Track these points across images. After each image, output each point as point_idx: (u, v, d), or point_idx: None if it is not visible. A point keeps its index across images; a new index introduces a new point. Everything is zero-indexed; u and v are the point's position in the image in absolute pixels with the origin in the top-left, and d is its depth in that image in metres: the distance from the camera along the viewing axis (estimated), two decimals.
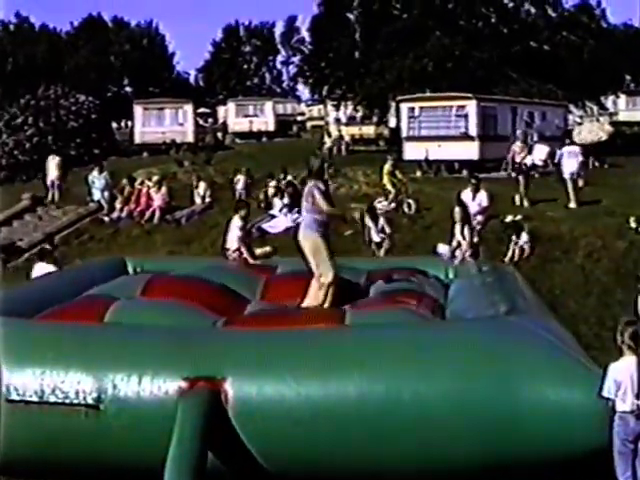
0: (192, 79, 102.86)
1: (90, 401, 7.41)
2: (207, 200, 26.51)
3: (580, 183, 24.15)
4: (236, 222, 13.42)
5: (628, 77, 55.13)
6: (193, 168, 33.71)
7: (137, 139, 46.80)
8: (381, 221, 19.24)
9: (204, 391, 7.29)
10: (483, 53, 44.30)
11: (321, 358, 7.55)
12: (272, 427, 7.26)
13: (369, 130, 53.04)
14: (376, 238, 19.01)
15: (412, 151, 33.31)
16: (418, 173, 32.04)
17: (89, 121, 43.02)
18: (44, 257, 15.05)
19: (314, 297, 10.08)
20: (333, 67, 50.57)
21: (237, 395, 7.28)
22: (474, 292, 10.25)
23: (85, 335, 8.16)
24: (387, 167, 25.22)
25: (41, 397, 7.46)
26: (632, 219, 19.64)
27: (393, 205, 23.36)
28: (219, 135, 53.44)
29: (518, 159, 25.54)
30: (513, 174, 26.02)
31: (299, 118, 70.05)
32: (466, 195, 20.50)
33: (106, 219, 25.92)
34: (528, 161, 23.96)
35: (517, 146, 27.08)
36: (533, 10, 48.03)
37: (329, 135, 46.93)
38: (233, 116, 59.36)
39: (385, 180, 24.90)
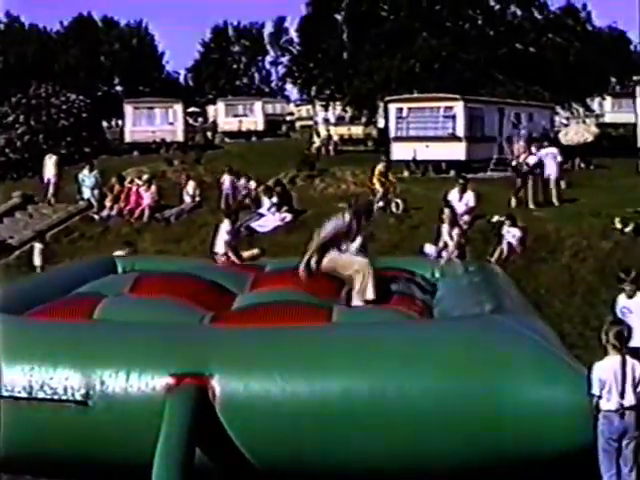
0: (182, 79, 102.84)
1: (78, 397, 7.45)
2: (196, 199, 26.53)
3: (562, 185, 24.26)
4: (225, 227, 13.51)
5: (614, 79, 55.22)
6: (183, 167, 33.68)
7: (127, 138, 46.77)
8: None
9: (191, 387, 7.33)
10: (470, 55, 44.37)
11: (307, 355, 7.62)
12: (259, 423, 7.32)
13: (358, 130, 52.96)
14: None
15: (400, 151, 33.36)
16: (405, 173, 32.10)
17: (80, 120, 43.02)
18: None
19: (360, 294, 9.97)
20: (322, 68, 50.50)
21: (224, 391, 7.34)
22: (460, 291, 10.28)
23: (73, 332, 8.20)
24: (379, 167, 25.21)
25: (30, 393, 7.50)
26: (617, 220, 19.73)
27: (381, 204, 23.42)
28: (209, 134, 53.42)
29: (521, 159, 25.35)
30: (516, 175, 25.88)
31: (288, 118, 69.96)
32: (453, 195, 20.61)
33: (96, 217, 25.89)
34: (530, 161, 23.92)
35: (520, 146, 27.03)
36: (519, 12, 48.13)
37: (318, 135, 46.95)
38: (223, 116, 59.29)
39: (375, 180, 24.94)
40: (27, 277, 12.98)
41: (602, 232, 19.48)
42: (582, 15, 49.48)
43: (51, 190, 28.34)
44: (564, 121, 51.08)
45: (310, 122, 64.14)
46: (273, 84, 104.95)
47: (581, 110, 52.52)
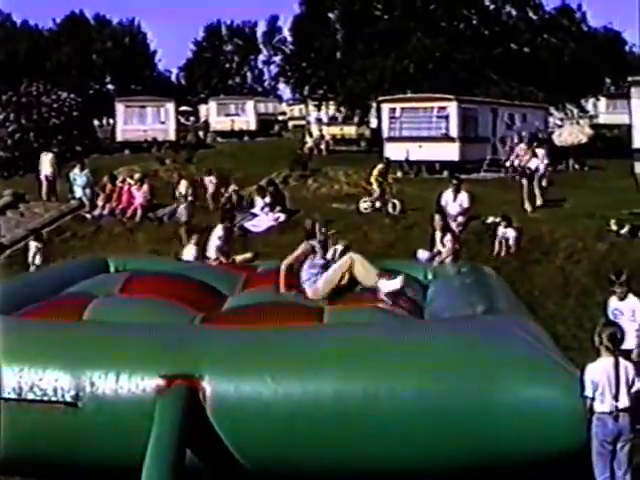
0: (174, 77, 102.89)
1: (68, 399, 7.41)
2: (189, 198, 26.44)
3: (544, 183, 24.21)
4: (217, 232, 13.47)
5: (608, 80, 55.41)
6: (174, 166, 33.65)
7: (119, 137, 46.79)
8: None
9: (182, 389, 7.30)
10: (464, 55, 44.45)
11: (298, 356, 7.58)
12: (249, 425, 7.29)
13: (350, 130, 53.04)
14: None
15: (393, 151, 33.35)
16: (399, 173, 32.08)
17: (71, 118, 42.88)
18: None
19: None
20: (315, 67, 50.57)
21: (215, 393, 7.30)
22: (452, 293, 10.27)
23: (63, 332, 8.16)
24: (379, 168, 25.08)
25: (19, 394, 7.45)
26: (613, 221, 19.71)
27: (378, 204, 23.38)
28: (201, 134, 53.39)
29: (522, 162, 25.26)
30: (517, 177, 25.81)
31: (280, 117, 70.05)
32: (447, 196, 20.53)
33: (88, 216, 25.79)
34: (532, 164, 23.88)
35: (521, 149, 27.01)
36: (514, 12, 48.25)
37: (310, 135, 46.99)
38: (215, 115, 59.31)
39: (372, 179, 24.85)
40: (17, 276, 12.86)
41: (597, 234, 19.46)
42: (577, 15, 49.73)
43: (44, 188, 28.24)
44: (558, 122, 51.19)
45: (303, 122, 64.28)
46: (266, 83, 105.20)
47: (575, 111, 52.72)
